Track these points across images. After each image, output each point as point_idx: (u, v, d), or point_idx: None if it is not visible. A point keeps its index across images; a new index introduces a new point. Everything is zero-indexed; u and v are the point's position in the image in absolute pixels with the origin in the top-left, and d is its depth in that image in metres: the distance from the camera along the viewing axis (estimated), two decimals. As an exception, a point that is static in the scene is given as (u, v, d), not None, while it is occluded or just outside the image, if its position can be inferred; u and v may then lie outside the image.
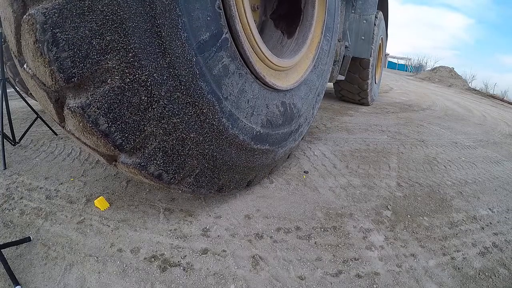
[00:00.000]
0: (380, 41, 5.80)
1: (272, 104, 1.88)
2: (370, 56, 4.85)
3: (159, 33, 1.11)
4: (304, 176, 2.40)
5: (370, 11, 4.58)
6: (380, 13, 5.23)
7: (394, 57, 33.31)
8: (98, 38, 1.01)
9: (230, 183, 1.83)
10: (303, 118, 2.38)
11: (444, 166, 2.97)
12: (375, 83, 6.28)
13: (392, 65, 31.28)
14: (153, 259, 1.44)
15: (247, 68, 1.59)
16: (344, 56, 4.20)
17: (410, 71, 30.15)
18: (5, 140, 2.47)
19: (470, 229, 1.91)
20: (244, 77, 1.57)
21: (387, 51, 8.90)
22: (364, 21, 4.64)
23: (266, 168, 2.12)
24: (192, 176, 1.52)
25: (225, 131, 1.52)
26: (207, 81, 1.34)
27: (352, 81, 5.34)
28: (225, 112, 1.48)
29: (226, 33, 1.41)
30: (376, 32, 4.86)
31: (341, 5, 3.23)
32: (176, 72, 1.20)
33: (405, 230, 1.81)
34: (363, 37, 4.71)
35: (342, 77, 4.54)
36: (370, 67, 5.10)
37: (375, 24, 4.70)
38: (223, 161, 1.62)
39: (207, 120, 1.40)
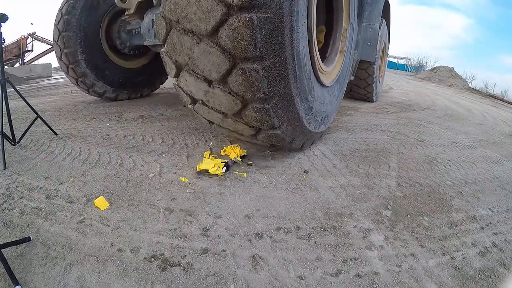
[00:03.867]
0: (383, 45, 6.50)
1: (317, 88, 2.67)
2: (375, 59, 5.67)
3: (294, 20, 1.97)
4: (304, 176, 2.40)
5: (375, 20, 5.34)
6: (384, 21, 5.96)
7: (394, 57, 33.24)
8: None
9: (297, 139, 2.53)
10: (332, 108, 3.19)
11: (444, 166, 2.97)
12: (379, 81, 6.95)
13: (392, 65, 31.20)
14: (153, 259, 1.44)
15: (311, 65, 2.45)
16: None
17: (410, 71, 30.12)
18: (5, 140, 2.47)
19: (470, 229, 1.91)
20: (309, 70, 2.42)
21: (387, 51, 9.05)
22: (370, 29, 5.40)
23: (311, 138, 2.82)
24: (285, 124, 2.24)
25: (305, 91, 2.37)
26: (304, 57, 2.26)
27: (360, 75, 6.00)
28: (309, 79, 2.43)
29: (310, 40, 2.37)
30: (380, 38, 5.61)
31: (356, 23, 4.00)
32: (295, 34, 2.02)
33: (405, 230, 1.81)
34: (369, 43, 5.48)
35: (352, 77, 5.16)
36: (376, 62, 5.88)
37: (379, 31, 5.44)
38: (300, 120, 2.38)
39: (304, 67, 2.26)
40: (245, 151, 2.73)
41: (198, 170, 2.37)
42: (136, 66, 5.22)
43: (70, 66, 4.42)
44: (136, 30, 4.35)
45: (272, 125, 2.14)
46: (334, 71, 3.29)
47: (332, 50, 3.41)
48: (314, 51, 2.47)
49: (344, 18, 3.39)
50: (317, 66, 2.58)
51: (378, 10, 5.35)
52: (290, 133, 2.36)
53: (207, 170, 2.33)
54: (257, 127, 2.19)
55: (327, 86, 2.98)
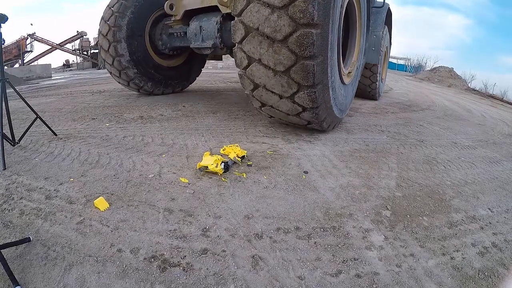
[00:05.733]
0: (385, 49, 7.23)
1: (340, 86, 3.43)
2: (378, 61, 6.37)
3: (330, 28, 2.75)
4: (304, 176, 2.40)
5: (378, 28, 6.03)
6: (386, 27, 6.70)
7: (393, 57, 33.24)
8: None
9: (329, 122, 3.31)
10: (348, 101, 4.03)
11: (444, 166, 2.97)
12: (381, 82, 7.63)
13: (391, 66, 31.14)
14: (152, 260, 1.44)
15: (338, 67, 3.25)
16: None
17: (409, 71, 30.13)
18: (4, 140, 2.47)
19: (469, 229, 1.91)
20: (337, 68, 3.18)
21: (387, 51, 9.28)
22: (374, 36, 6.03)
23: (334, 121, 3.50)
24: (322, 108, 2.94)
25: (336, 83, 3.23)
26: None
27: (365, 74, 6.59)
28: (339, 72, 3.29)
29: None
30: (382, 43, 6.32)
31: (366, 36, 4.71)
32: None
33: (404, 230, 1.82)
34: (373, 48, 6.14)
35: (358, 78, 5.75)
36: (379, 64, 6.58)
37: (382, 37, 6.12)
38: (330, 105, 3.11)
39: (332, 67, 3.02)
40: (245, 151, 2.73)
41: (198, 167, 2.38)
42: (171, 65, 5.77)
43: (117, 58, 4.89)
44: (178, 33, 4.88)
45: (316, 106, 2.80)
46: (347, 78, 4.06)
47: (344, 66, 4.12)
48: (340, 55, 3.20)
49: (355, 54, 4.25)
50: (341, 68, 3.31)
51: (381, 19, 6.09)
52: (324, 113, 3.03)
53: (206, 167, 2.34)
54: (304, 107, 2.81)
55: (346, 84, 3.76)
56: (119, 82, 5.54)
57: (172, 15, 4.76)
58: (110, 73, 5.37)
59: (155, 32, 5.27)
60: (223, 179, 2.27)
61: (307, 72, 2.60)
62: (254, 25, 2.63)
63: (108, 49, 4.92)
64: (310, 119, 3.05)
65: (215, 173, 2.33)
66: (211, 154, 2.69)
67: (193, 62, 6.19)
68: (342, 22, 3.10)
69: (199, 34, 4.29)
